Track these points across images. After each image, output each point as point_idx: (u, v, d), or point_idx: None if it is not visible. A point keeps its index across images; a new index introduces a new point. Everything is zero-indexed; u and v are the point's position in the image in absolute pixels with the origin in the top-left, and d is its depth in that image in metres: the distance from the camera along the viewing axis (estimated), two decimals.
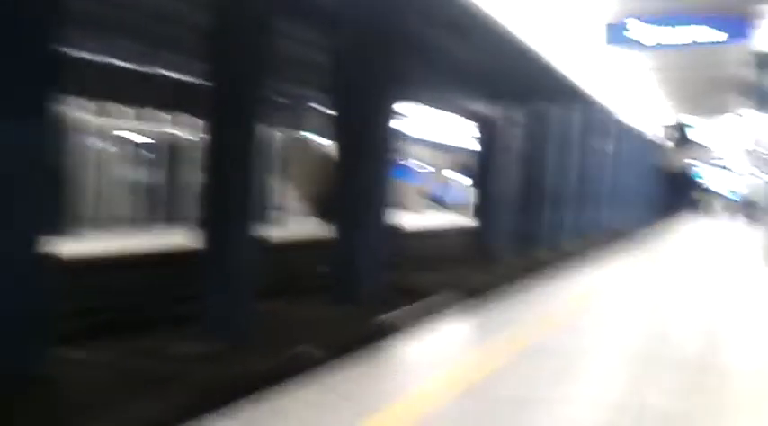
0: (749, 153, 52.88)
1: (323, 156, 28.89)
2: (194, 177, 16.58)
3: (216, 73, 11.27)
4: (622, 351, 6.70)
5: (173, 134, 21.97)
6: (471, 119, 24.47)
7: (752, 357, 6.79)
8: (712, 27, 11.59)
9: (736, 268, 16.30)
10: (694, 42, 11.68)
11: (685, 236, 29.53)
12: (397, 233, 17.16)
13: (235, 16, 11.35)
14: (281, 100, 25.60)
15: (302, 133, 30.42)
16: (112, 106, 19.61)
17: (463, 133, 35.95)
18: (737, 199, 53.54)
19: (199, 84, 13.01)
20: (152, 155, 21.50)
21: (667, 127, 41.92)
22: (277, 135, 28.81)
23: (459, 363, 5.92)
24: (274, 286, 14.54)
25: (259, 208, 12.49)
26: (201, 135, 12.26)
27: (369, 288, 14.31)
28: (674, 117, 33.04)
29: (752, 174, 48.08)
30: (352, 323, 11.91)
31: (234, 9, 11.14)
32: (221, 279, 11.22)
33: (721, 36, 11.50)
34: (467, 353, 6.45)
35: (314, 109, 28.77)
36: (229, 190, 11.53)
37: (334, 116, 15.49)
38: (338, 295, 14.17)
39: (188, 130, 21.57)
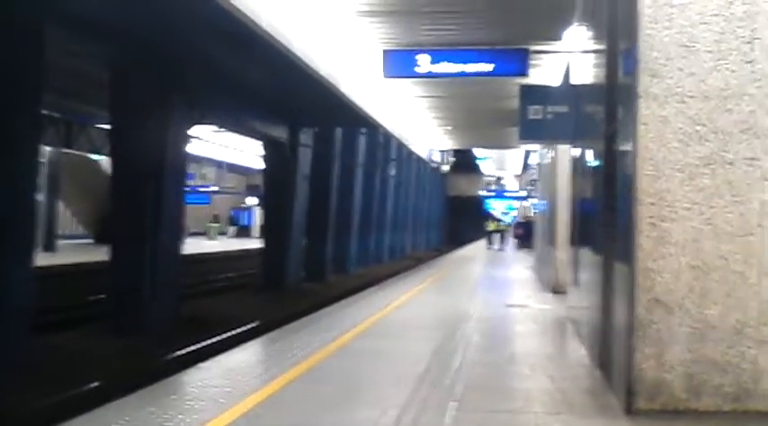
0: (518, 177, 56.61)
1: (103, 176, 27.44)
2: None
3: None
4: None
5: None
6: (260, 140, 24.12)
7: None
8: (481, 60, 12.18)
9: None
10: (463, 73, 12.19)
11: (466, 259, 30.89)
12: (185, 258, 16.52)
13: None
14: (55, 115, 24.07)
15: (79, 151, 28.80)
16: None
17: (256, 155, 35.45)
18: (510, 223, 57.03)
19: None
20: None
21: (448, 154, 43.83)
22: (50, 152, 27.14)
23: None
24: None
25: (27, 233, 11.52)
26: None
27: (154, 318, 13.60)
28: (455, 145, 34.63)
29: (522, 198, 51.34)
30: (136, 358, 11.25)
31: None
32: None
33: (488, 67, 12.12)
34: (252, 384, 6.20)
35: (94, 126, 27.31)
36: None
37: (114, 133, 14.65)
38: (119, 325, 13.34)
39: None
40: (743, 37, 5.16)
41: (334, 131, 25.94)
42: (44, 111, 14.99)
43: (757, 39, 5.14)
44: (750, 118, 5.14)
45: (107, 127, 18.04)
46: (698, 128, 5.17)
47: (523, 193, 49.75)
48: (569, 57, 11.73)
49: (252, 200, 52.29)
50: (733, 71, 5.16)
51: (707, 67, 5.18)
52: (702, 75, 5.18)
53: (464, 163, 53.34)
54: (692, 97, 5.18)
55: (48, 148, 26.39)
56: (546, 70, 14.82)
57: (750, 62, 5.14)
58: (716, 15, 5.18)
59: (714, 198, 5.15)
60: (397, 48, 13.06)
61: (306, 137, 23.49)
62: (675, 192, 5.16)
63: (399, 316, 10.97)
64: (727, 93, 5.16)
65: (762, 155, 5.12)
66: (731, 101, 5.16)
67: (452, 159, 48.01)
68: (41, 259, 15.32)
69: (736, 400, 5.09)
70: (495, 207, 64.66)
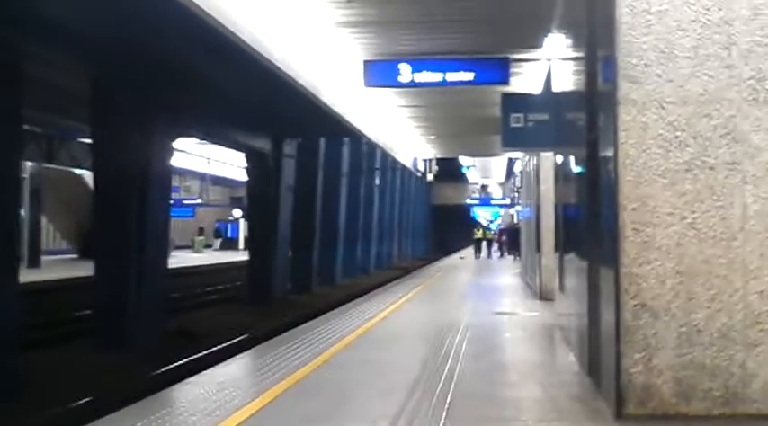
0: (502, 185, 56.71)
1: (86, 190, 27.31)
2: None
3: None
4: None
5: None
6: (243, 152, 24.05)
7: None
8: (462, 69, 12.21)
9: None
10: (444, 81, 12.22)
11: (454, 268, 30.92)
12: (171, 272, 16.45)
13: None
14: (36, 130, 23.94)
15: (61, 166, 28.64)
16: None
17: (240, 167, 35.29)
18: (495, 230, 57.08)
19: None
20: None
21: (432, 163, 43.88)
22: (32, 167, 26.99)
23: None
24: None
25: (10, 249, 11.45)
26: None
27: (141, 332, 13.52)
28: (439, 154, 34.63)
29: (507, 205, 51.48)
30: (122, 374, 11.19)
31: None
32: None
33: (469, 76, 12.16)
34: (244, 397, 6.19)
35: (75, 141, 27.19)
36: None
37: (96, 147, 14.58)
38: (106, 341, 13.25)
39: None
40: (720, 42, 5.22)
41: (317, 142, 25.94)
42: (25, 126, 14.92)
43: (734, 44, 5.21)
44: (729, 122, 5.20)
45: (89, 141, 17.94)
46: (678, 133, 5.22)
47: (508, 201, 49.88)
48: (550, 65, 11.80)
49: (237, 212, 52.12)
50: (711, 76, 5.21)
51: (685, 73, 5.23)
52: (681, 80, 5.23)
53: (449, 171, 53.37)
54: (671, 103, 5.23)
55: (29, 163, 26.26)
56: (527, 78, 14.88)
57: (728, 67, 5.21)
58: (693, 21, 5.24)
59: (696, 202, 5.19)
60: (378, 58, 13.09)
61: (289, 147, 23.48)
62: (657, 197, 5.21)
63: (388, 327, 10.98)
64: (705, 98, 5.22)
65: (742, 160, 5.18)
66: (710, 106, 5.21)
67: (437, 168, 48.09)
68: (26, 275, 15.22)
69: (725, 404, 5.13)
70: (482, 214, 64.74)
